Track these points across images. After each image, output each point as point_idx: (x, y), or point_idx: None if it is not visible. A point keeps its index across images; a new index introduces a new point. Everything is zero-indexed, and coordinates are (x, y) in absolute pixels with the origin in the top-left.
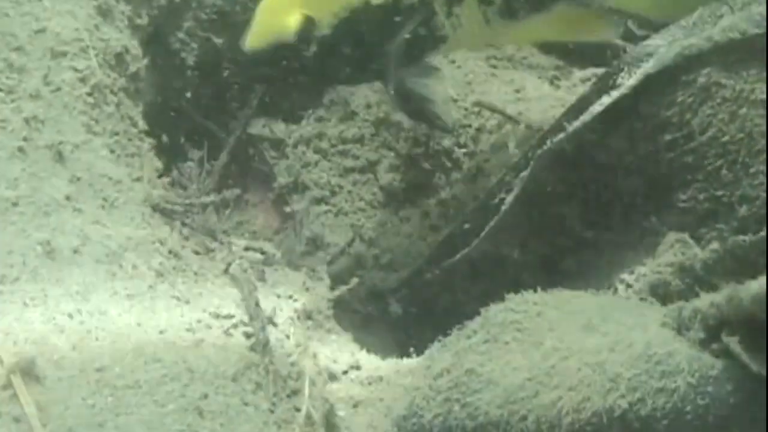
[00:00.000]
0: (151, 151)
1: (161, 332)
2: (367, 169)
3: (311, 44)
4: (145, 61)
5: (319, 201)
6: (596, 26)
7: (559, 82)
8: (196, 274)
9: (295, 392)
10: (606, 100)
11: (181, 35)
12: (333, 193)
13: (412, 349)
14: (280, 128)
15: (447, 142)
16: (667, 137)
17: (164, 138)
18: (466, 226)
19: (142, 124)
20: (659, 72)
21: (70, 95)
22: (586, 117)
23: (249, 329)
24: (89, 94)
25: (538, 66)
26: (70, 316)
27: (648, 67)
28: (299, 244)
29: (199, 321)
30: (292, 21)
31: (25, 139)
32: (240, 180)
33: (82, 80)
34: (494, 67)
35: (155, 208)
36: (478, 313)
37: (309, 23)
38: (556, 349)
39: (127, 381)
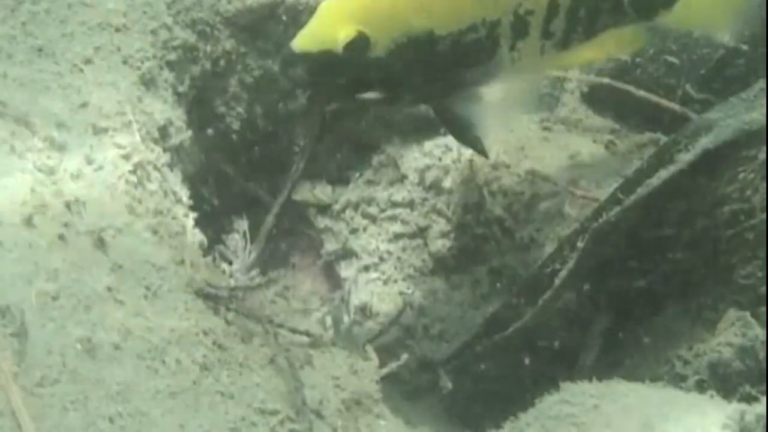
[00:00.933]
0: (195, 228)
1: None
2: (416, 234)
3: (360, 62)
4: (189, 131)
5: (367, 268)
6: (628, 40)
7: (615, 148)
8: (241, 365)
9: None
10: (664, 174)
11: (225, 99)
12: (381, 260)
13: None
14: (326, 192)
15: (499, 209)
16: (727, 213)
17: (208, 209)
18: (519, 298)
19: (185, 199)
20: (719, 147)
21: (113, 174)
22: (643, 191)
23: (296, 426)
24: (132, 172)
25: (593, 129)
26: (111, 420)
27: (707, 141)
28: (347, 314)
29: (243, 419)
30: (344, 33)
31: (65, 225)
32: (287, 245)
33: (125, 157)
34: (548, 129)
35: (198, 293)
36: (532, 401)
37: (361, 40)
38: None
39: None
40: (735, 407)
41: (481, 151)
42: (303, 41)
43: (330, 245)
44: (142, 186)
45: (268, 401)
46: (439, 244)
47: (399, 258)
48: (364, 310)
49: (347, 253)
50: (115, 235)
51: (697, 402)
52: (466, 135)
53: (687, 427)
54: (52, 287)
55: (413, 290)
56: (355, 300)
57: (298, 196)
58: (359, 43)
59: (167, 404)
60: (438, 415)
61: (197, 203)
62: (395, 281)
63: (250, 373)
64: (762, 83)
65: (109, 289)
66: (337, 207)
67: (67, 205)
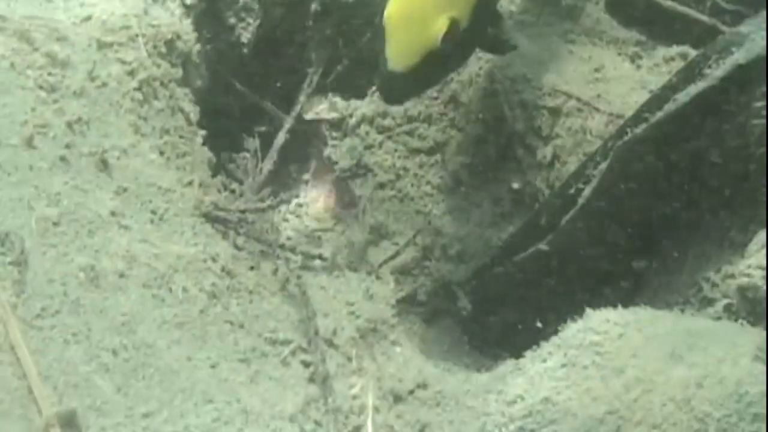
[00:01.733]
0: (204, 146)
1: (213, 366)
2: (434, 150)
3: (454, 43)
4: (198, 45)
5: (383, 186)
6: None
7: (640, 61)
8: (251, 293)
9: (358, 429)
10: (692, 90)
11: (236, 9)
12: (398, 177)
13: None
14: (340, 106)
15: (520, 125)
16: (758, 131)
17: (218, 127)
18: (541, 218)
19: (194, 116)
20: (750, 62)
21: (117, 92)
22: (670, 107)
23: (308, 357)
24: (137, 89)
25: (618, 41)
26: (115, 353)
27: (738, 56)
28: (362, 233)
29: (254, 349)
30: (437, 27)
31: (67, 146)
32: (300, 161)
33: (130, 74)
34: (571, 41)
35: (207, 217)
36: (554, 329)
37: (455, 25)
38: (639, 380)
39: (177, 427)
40: (764, 336)
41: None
42: (398, 56)
43: (344, 162)
44: (148, 104)
45: (280, 330)
46: (458, 161)
47: (416, 175)
48: (380, 230)
49: (362, 170)
50: (119, 156)
51: (726, 330)
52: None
53: (716, 358)
54: (53, 212)
55: (431, 208)
56: (370, 219)
57: (310, 114)
58: (455, 29)
59: (174, 335)
60: (456, 339)
61: (207, 120)
62: (412, 199)
63: (260, 300)
64: None
65: (114, 213)
66: (351, 122)
67: (69, 125)
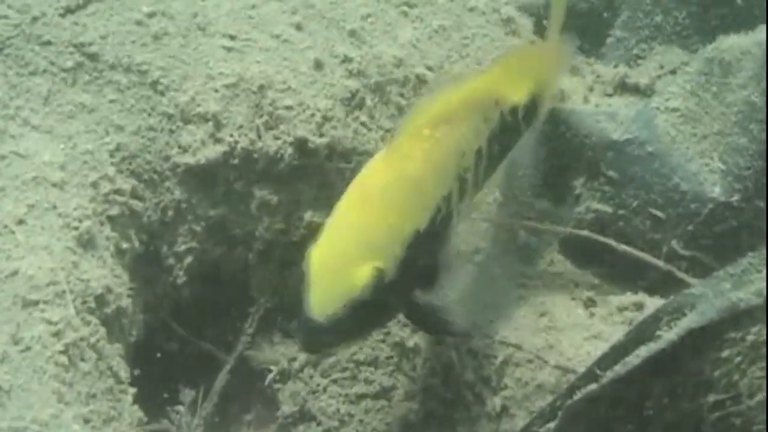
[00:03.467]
0: (135, 405)
1: None
2: (381, 395)
3: (379, 292)
4: (130, 292)
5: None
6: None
7: (594, 309)
8: None
9: None
10: (643, 351)
11: (175, 250)
12: (342, 423)
13: None
14: (283, 349)
15: (469, 374)
16: (712, 398)
17: (153, 380)
18: None
19: (124, 374)
20: (703, 327)
21: (41, 356)
22: (620, 369)
23: None
24: (63, 352)
25: (572, 284)
26: None
27: (691, 319)
28: None
29: None
30: (361, 275)
31: None
32: (241, 404)
33: (56, 335)
34: (524, 286)
35: None
36: None
37: (380, 275)
38: None
39: None
40: None
41: (461, 333)
42: (319, 304)
43: (287, 407)
44: (74, 367)
45: None
46: (405, 407)
47: (361, 421)
48: None
49: (305, 416)
50: (40, 431)
51: None
52: (438, 323)
53: None
54: None
55: None
56: None
57: (253, 355)
58: (379, 278)
59: None
60: None
61: (141, 374)
62: None
63: None
64: (753, 259)
65: None
66: (295, 365)
67: None
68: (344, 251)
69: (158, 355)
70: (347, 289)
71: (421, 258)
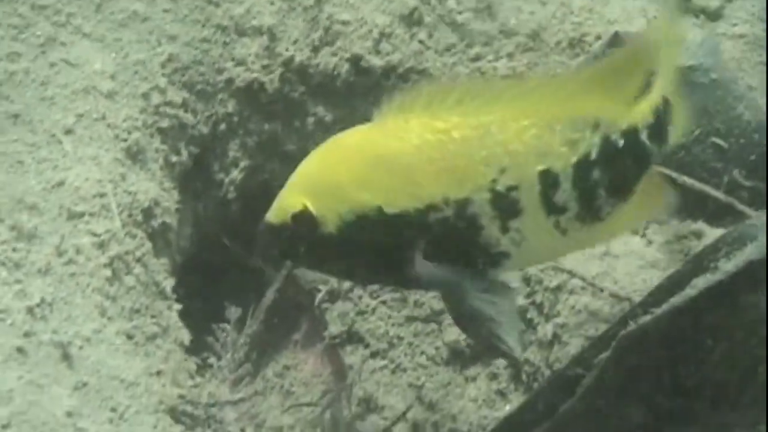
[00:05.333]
0: (180, 321)
1: None
2: (430, 318)
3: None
4: (178, 211)
5: (374, 355)
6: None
7: (652, 236)
8: None
9: None
10: (700, 283)
11: (225, 164)
12: (391, 346)
13: None
14: None
15: (522, 300)
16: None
17: (199, 297)
18: (538, 404)
19: (169, 290)
20: (763, 259)
21: (85, 268)
22: (676, 300)
23: None
24: (107, 265)
25: None
26: None
27: (751, 251)
28: (349, 406)
29: None
30: (291, 205)
31: (26, 334)
32: (289, 322)
33: (101, 247)
34: None
35: (173, 413)
36: None
37: (306, 214)
38: None
39: None
40: None
41: (508, 355)
42: (272, 214)
43: (334, 327)
44: (118, 281)
45: None
46: (455, 331)
47: (410, 344)
48: (369, 403)
49: (352, 338)
50: (82, 346)
51: None
52: (487, 335)
53: None
54: (3, 413)
55: (424, 381)
56: (359, 390)
57: (302, 273)
58: (305, 218)
59: None
60: None
61: (187, 289)
62: (405, 370)
63: None
64: None
65: (70, 413)
66: (344, 285)
67: (30, 310)
68: (302, 183)
69: (206, 271)
70: (284, 211)
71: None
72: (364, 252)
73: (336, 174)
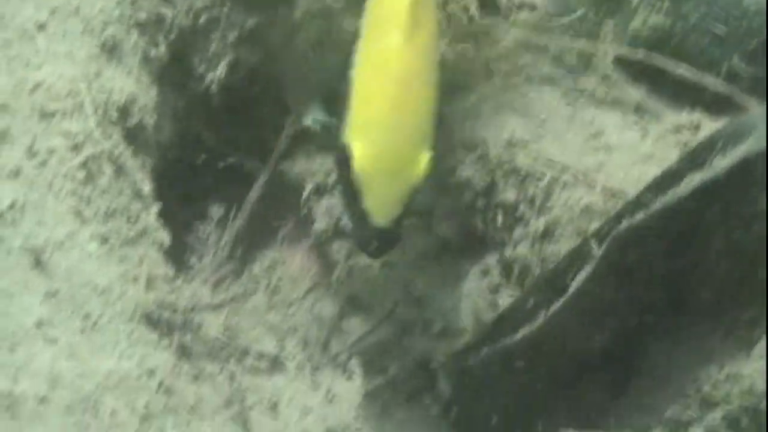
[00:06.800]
0: (159, 221)
1: None
2: (420, 213)
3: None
4: (158, 103)
5: None
6: None
7: (647, 127)
8: (191, 411)
9: None
10: (696, 178)
11: (207, 56)
12: None
13: None
14: (320, 162)
15: (512, 194)
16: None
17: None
18: (531, 301)
19: (147, 189)
20: (759, 155)
21: (57, 170)
22: (671, 196)
23: None
24: (82, 167)
25: (623, 102)
26: None
27: (747, 147)
28: (335, 304)
29: None
30: (421, 166)
31: None
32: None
33: (74, 148)
34: (573, 103)
35: (149, 319)
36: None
37: (432, 158)
38: None
39: None
40: None
41: None
42: (381, 209)
43: (321, 223)
44: (92, 183)
45: None
46: (445, 226)
47: None
48: (354, 301)
49: (340, 233)
50: (53, 251)
51: None
52: None
53: None
54: None
55: (413, 278)
56: (345, 288)
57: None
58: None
59: None
60: (435, 425)
61: (167, 187)
62: (393, 266)
63: (200, 421)
64: None
65: (40, 324)
66: (331, 179)
67: (0, 215)
68: (396, 142)
69: (186, 170)
70: (408, 184)
71: None
72: None
73: None
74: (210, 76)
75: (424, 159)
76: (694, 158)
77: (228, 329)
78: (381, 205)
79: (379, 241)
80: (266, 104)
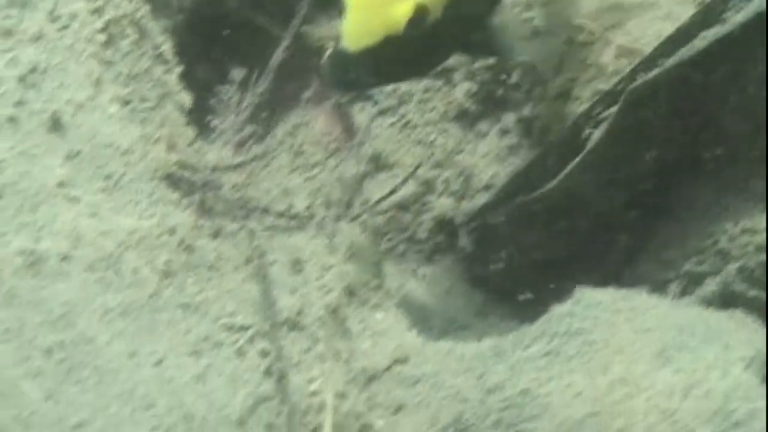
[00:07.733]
0: (181, 83)
1: (158, 363)
2: (440, 74)
3: (421, 33)
4: None
5: (383, 112)
6: None
7: None
8: (211, 268)
9: (317, 429)
10: (710, 34)
11: None
12: (401, 103)
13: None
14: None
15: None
16: None
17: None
18: (548, 159)
19: (169, 50)
20: None
21: (79, 34)
22: (685, 52)
23: (266, 345)
24: (103, 30)
25: None
26: (49, 352)
27: (761, 2)
28: (358, 164)
29: (206, 338)
30: (402, 11)
31: (19, 103)
32: (298, 81)
33: (96, 12)
34: None
35: (170, 179)
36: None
37: (422, 11)
38: (623, 381)
39: None
40: (763, 340)
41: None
42: (354, 38)
43: None
44: (113, 45)
45: (239, 313)
46: (465, 87)
47: (420, 101)
48: (378, 160)
49: (361, 95)
50: (75, 113)
51: (722, 328)
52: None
53: (705, 363)
54: None
55: (434, 138)
56: (368, 148)
57: (310, 30)
58: (421, 16)
59: (117, 326)
60: (457, 280)
61: (189, 50)
62: (414, 127)
63: (220, 278)
64: None
65: (62, 183)
66: None
67: (22, 79)
68: None
69: (208, 31)
70: (386, 22)
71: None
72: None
73: None
74: None
75: (408, 6)
76: (709, 14)
77: (249, 188)
78: (355, 32)
79: (342, 65)
80: None
